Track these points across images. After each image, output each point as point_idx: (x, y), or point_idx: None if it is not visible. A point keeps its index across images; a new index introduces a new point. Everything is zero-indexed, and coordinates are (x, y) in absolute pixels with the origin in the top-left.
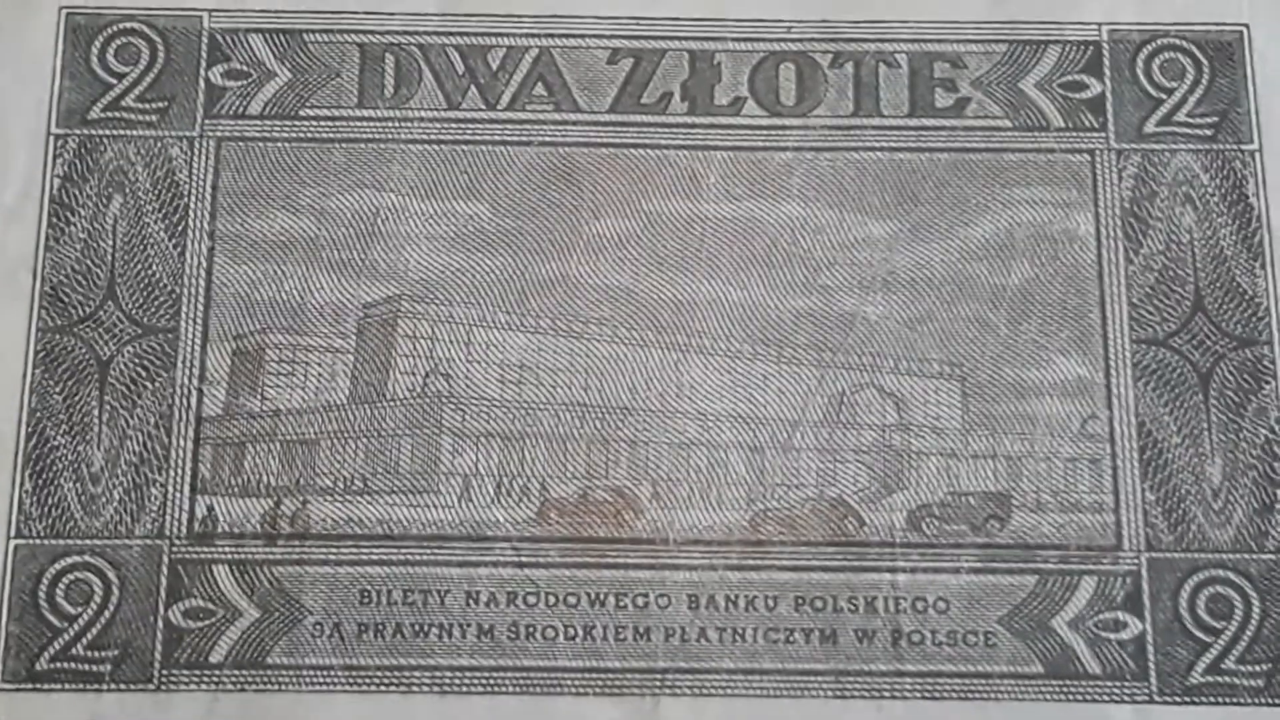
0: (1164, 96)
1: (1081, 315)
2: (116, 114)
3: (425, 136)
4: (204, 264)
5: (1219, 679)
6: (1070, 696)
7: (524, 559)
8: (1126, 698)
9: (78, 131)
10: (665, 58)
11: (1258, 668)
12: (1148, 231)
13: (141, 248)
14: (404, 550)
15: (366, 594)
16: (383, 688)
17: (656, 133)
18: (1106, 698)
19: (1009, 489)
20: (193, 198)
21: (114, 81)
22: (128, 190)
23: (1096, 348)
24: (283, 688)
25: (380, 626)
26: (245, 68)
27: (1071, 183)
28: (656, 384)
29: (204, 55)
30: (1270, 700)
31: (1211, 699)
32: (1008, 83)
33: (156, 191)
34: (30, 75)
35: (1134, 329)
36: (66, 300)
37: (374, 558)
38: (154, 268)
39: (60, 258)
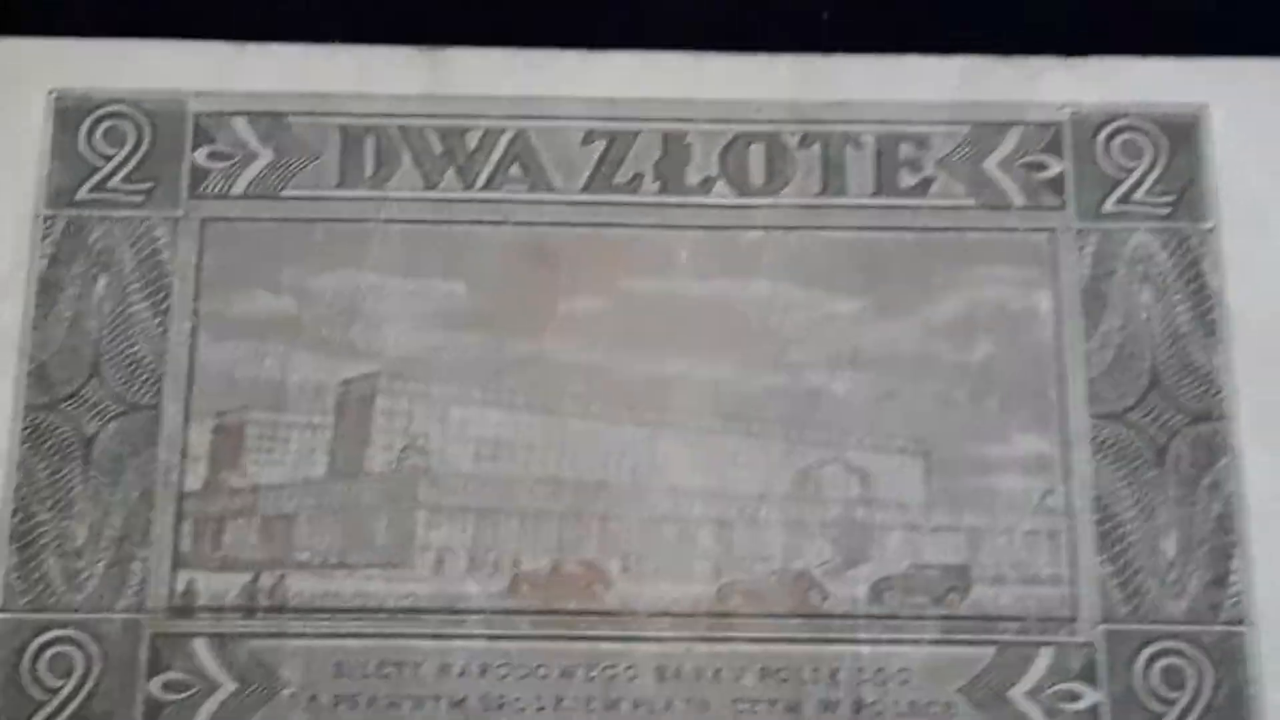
0: (1123, 176)
1: (1041, 392)
2: (103, 195)
3: (404, 216)
4: (187, 342)
5: None
6: None
7: (496, 631)
8: None
9: (65, 212)
10: (638, 138)
11: None
12: (1106, 309)
13: (126, 326)
14: (379, 623)
15: (342, 666)
16: None
17: (629, 212)
18: None
19: (969, 562)
20: (176, 277)
21: (101, 163)
22: (113, 270)
23: (1055, 423)
24: None
25: (355, 698)
26: (229, 149)
27: (1032, 261)
28: (628, 459)
29: (189, 137)
30: None
31: None
32: (971, 163)
33: (141, 271)
34: (19, 156)
35: (1092, 405)
36: (52, 378)
37: (349, 630)
38: (138, 346)
39: (46, 336)
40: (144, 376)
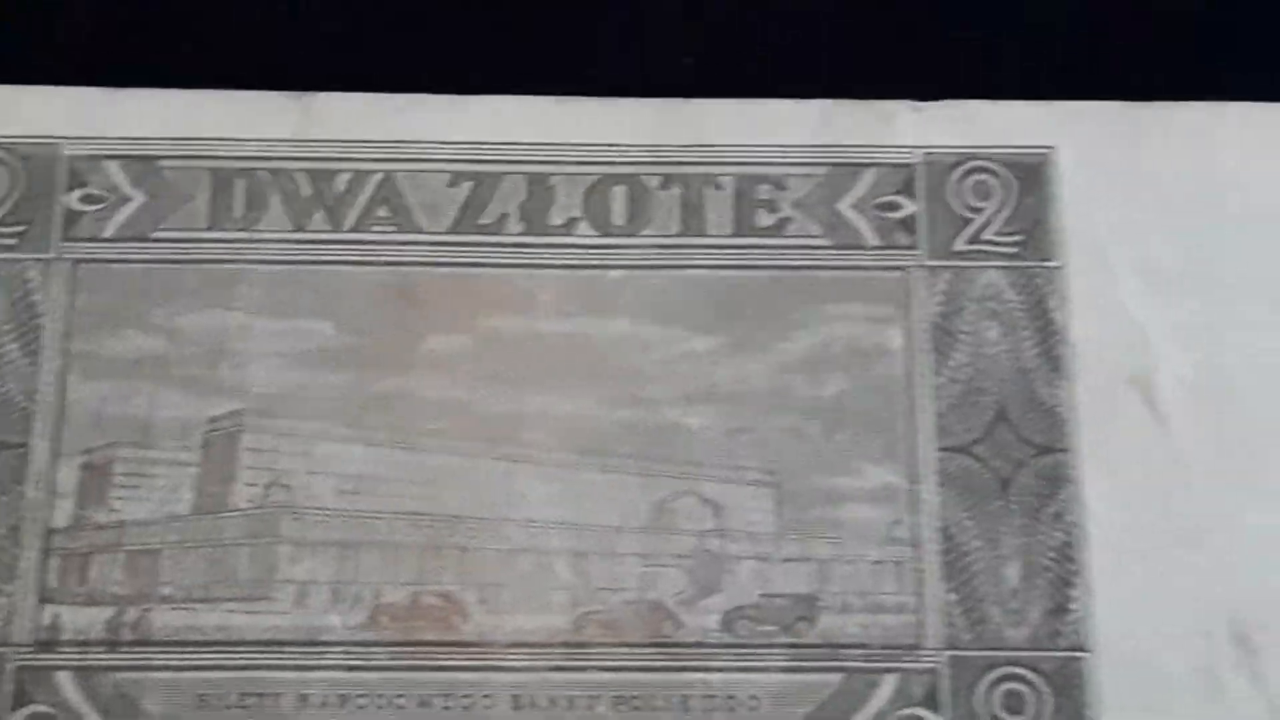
0: (973, 216)
1: (890, 425)
2: None
3: (273, 257)
4: (57, 382)
5: None
6: None
7: (355, 662)
8: None
9: None
10: (503, 181)
11: None
12: (955, 345)
13: None
14: (241, 655)
15: (204, 698)
16: None
17: (493, 252)
18: None
19: (818, 591)
20: (48, 318)
21: None
22: None
23: (903, 456)
24: None
25: None
26: (102, 192)
27: (884, 299)
28: (487, 493)
29: (62, 181)
30: None
31: None
32: (826, 203)
33: (14, 312)
34: None
35: (940, 438)
36: None
37: (212, 663)
38: (8, 386)
39: None
40: (13, 415)
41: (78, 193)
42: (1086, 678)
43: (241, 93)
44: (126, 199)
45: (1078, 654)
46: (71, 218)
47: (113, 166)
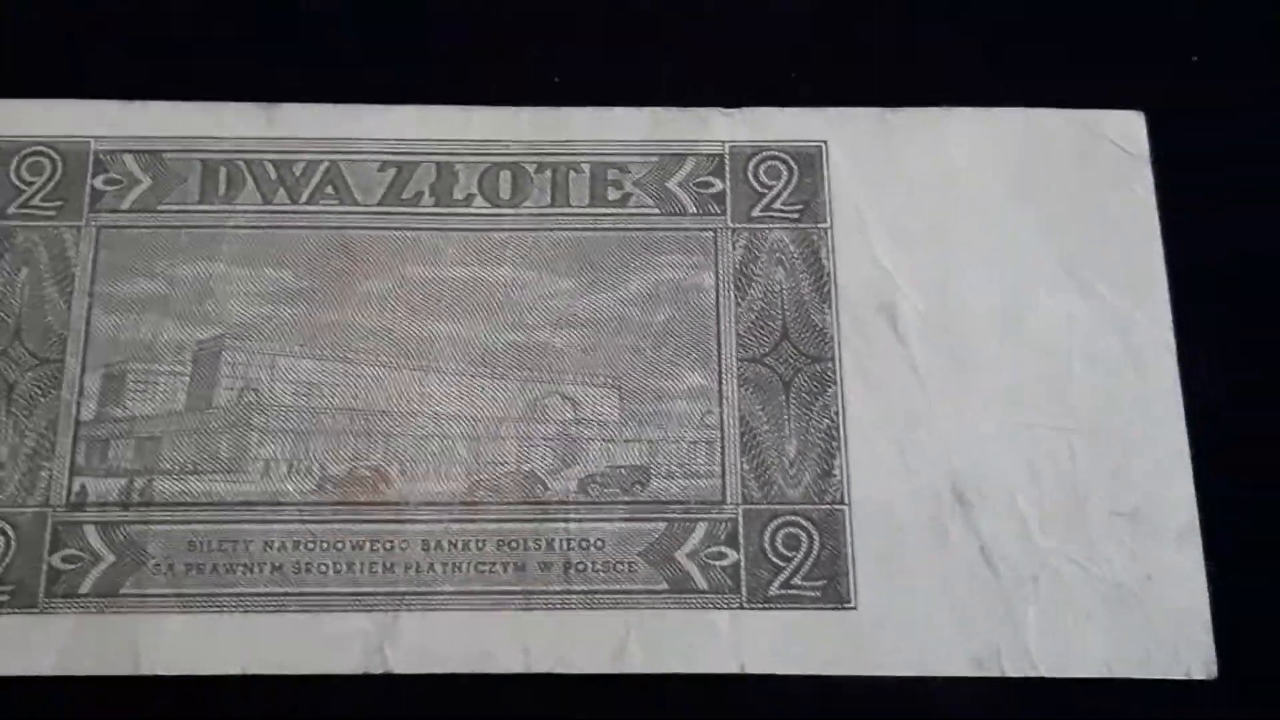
0: (766, 191)
1: (704, 342)
2: (27, 210)
3: (246, 224)
4: (85, 315)
5: (789, 591)
6: (686, 605)
7: (306, 518)
8: (724, 605)
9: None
10: (419, 167)
11: (817, 584)
12: (751, 284)
13: (41, 304)
14: (221, 513)
15: (192, 544)
16: (203, 610)
17: (411, 218)
18: (710, 606)
19: (649, 463)
20: (78, 268)
21: (25, 188)
22: (33, 263)
23: (714, 365)
24: (131, 610)
25: (201, 566)
26: (119, 177)
27: (700, 251)
28: (405, 394)
29: (90, 169)
30: (825, 605)
31: (783, 606)
32: (658, 182)
33: (53, 265)
34: None
35: (740, 351)
36: None
37: (198, 519)
38: (49, 317)
39: None
40: (52, 339)
41: (101, 177)
42: (844, 524)
43: (222, 103)
44: (137, 181)
45: (838, 507)
46: (96, 195)
47: (128, 158)
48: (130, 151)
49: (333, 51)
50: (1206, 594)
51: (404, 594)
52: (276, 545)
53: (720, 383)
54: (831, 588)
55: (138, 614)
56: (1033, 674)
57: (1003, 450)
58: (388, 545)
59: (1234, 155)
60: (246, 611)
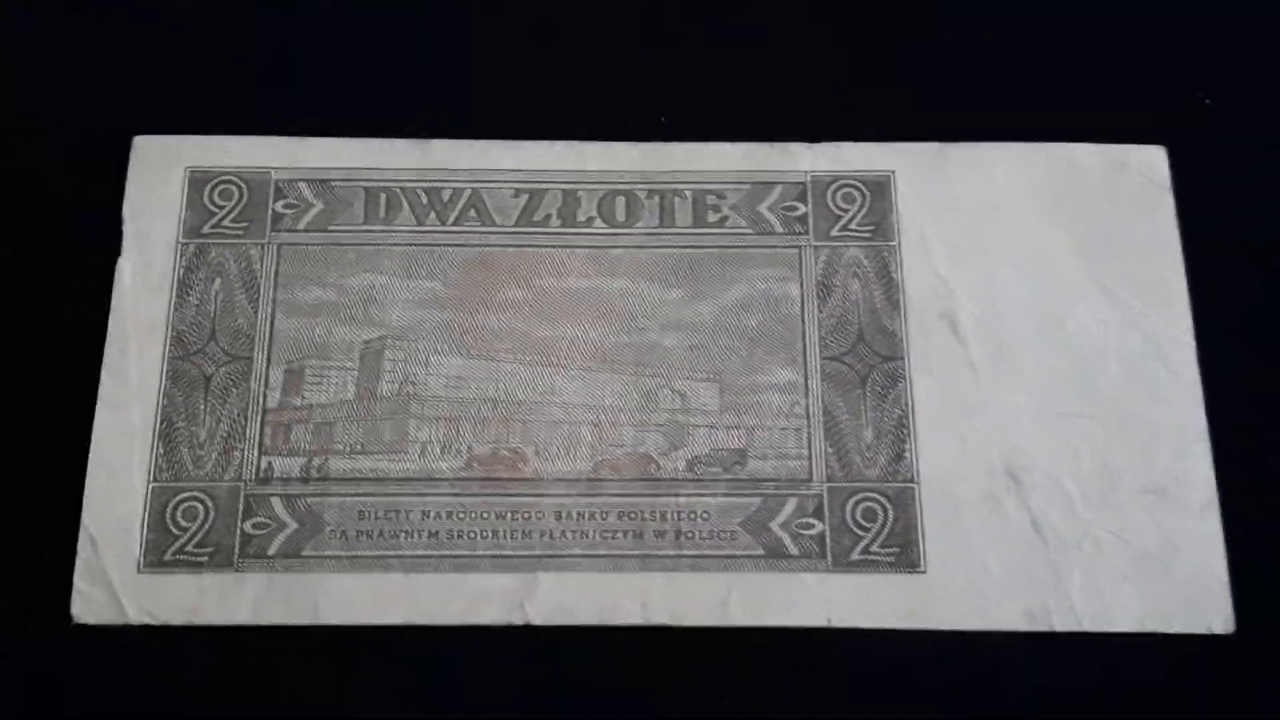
0: (842, 214)
1: (791, 343)
2: (218, 230)
3: (403, 242)
4: (269, 319)
5: (868, 557)
6: (779, 569)
7: (457, 492)
8: (812, 569)
9: (195, 240)
10: (547, 194)
11: (891, 550)
12: (831, 294)
13: (232, 309)
14: (385, 487)
15: (362, 513)
16: (371, 569)
17: (541, 237)
18: (800, 569)
19: (747, 447)
20: (263, 279)
21: (217, 211)
22: (224, 275)
23: (800, 363)
24: (311, 569)
25: (370, 532)
26: (295, 201)
27: (787, 266)
28: (537, 387)
29: (271, 195)
30: (899, 569)
31: (863, 570)
32: (750, 207)
33: (242, 276)
34: (167, 207)
35: (822, 350)
36: (186, 340)
37: (367, 492)
38: (239, 320)
39: (183, 315)
40: (242, 340)
41: (280, 202)
42: (914, 499)
43: (381, 139)
44: (311, 205)
45: (909, 484)
46: (277, 217)
47: (302, 185)
48: (305, 180)
49: (475, 94)
50: (1225, 559)
51: (540, 557)
52: (432, 515)
53: (806, 378)
54: (904, 554)
55: (316, 573)
56: (1077, 629)
57: (1047, 435)
58: (525, 515)
59: (1246, 182)
60: (407, 571)
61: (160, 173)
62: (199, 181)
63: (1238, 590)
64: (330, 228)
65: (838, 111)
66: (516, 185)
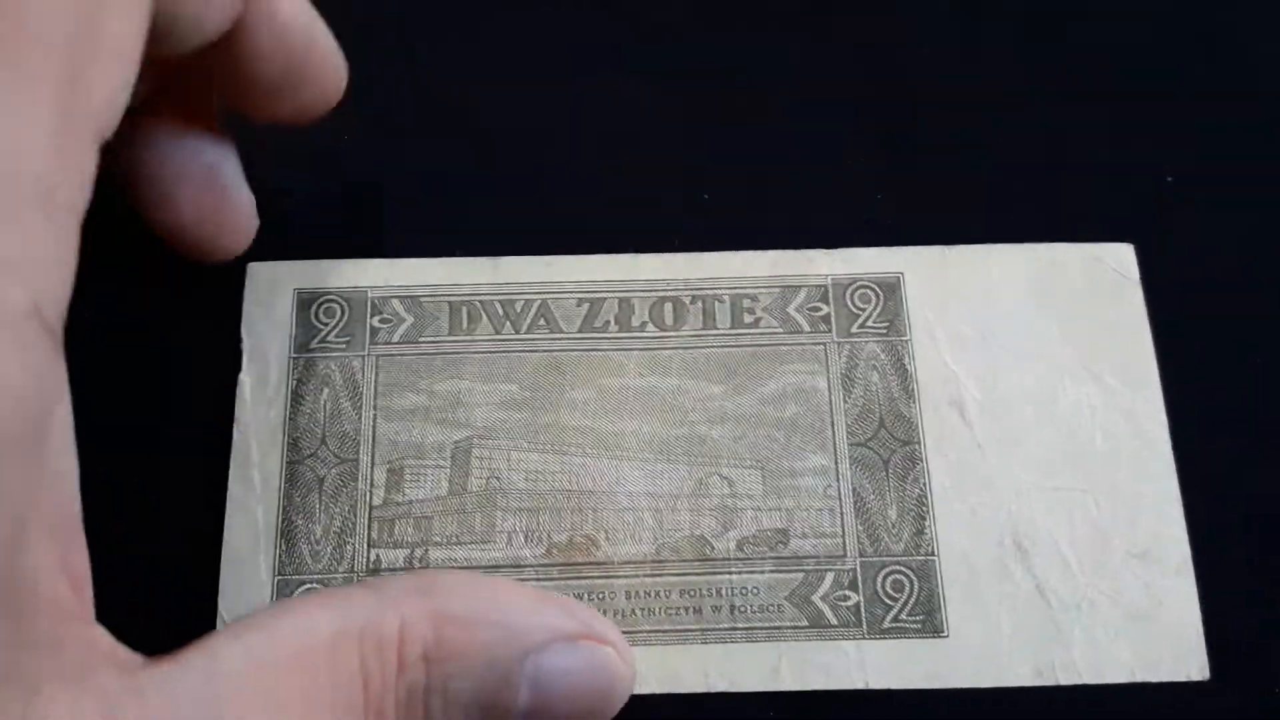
0: (860, 313)
1: (822, 431)
2: (324, 344)
3: (484, 350)
4: (371, 423)
5: (898, 624)
6: (822, 637)
7: (539, 577)
8: (850, 637)
9: (304, 355)
10: (605, 302)
11: (918, 618)
12: (854, 386)
13: (339, 415)
14: (477, 573)
15: None
16: None
17: (602, 342)
18: (840, 637)
19: (787, 527)
20: (364, 388)
21: (322, 327)
22: (331, 385)
23: (831, 449)
24: None
25: None
26: (389, 317)
27: (814, 361)
28: (605, 478)
29: (369, 311)
30: (925, 635)
31: (894, 636)
32: (780, 308)
33: (346, 385)
34: (278, 325)
35: (849, 437)
36: (300, 445)
37: None
38: (345, 426)
39: (298, 423)
40: (349, 443)
41: (376, 318)
42: (936, 571)
43: (459, 259)
44: (403, 320)
45: (930, 558)
46: (374, 331)
47: (395, 302)
48: (397, 297)
49: (539, 214)
50: (1199, 614)
51: None
52: None
53: (836, 462)
54: (929, 621)
55: None
56: (1079, 681)
57: (1046, 507)
58: (599, 596)
59: (1210, 270)
60: None
61: (272, 295)
62: (305, 302)
63: (1211, 641)
64: (420, 339)
65: (848, 221)
66: (578, 295)
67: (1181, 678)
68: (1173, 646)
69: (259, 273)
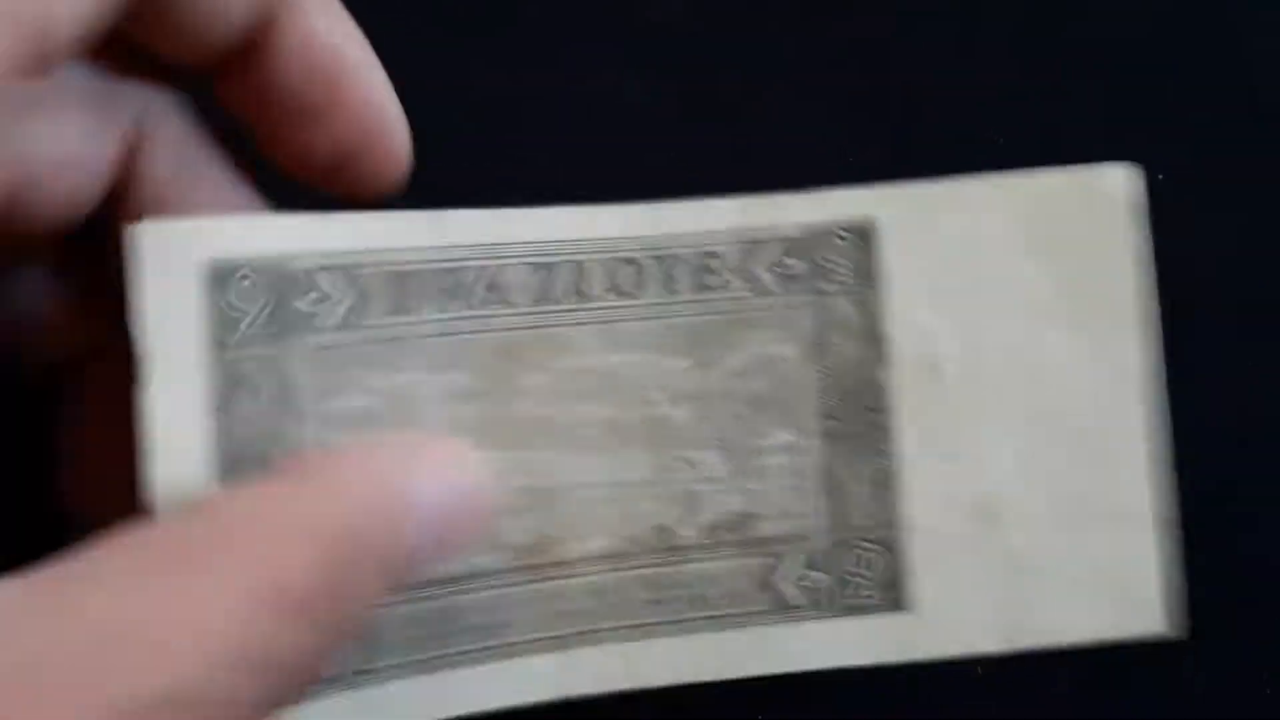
0: (831, 267)
1: (789, 405)
2: (244, 339)
3: (429, 332)
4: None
5: (866, 601)
6: (790, 619)
7: (505, 584)
8: (819, 617)
9: (224, 355)
10: (559, 267)
11: (888, 594)
12: (826, 353)
13: (277, 435)
14: (439, 588)
15: (416, 618)
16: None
17: (557, 316)
18: (809, 619)
19: (753, 509)
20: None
21: (239, 315)
22: (257, 394)
23: (798, 423)
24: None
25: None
26: (322, 295)
27: (784, 327)
28: (564, 471)
29: (296, 289)
30: (893, 609)
31: (862, 614)
32: (746, 267)
33: (280, 393)
34: (184, 314)
35: (820, 410)
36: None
37: (423, 596)
38: (286, 446)
39: (224, 448)
40: None
41: (306, 299)
42: (903, 544)
43: (398, 212)
44: (340, 300)
45: (899, 531)
46: (305, 317)
47: (327, 275)
48: (330, 268)
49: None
50: (1176, 571)
51: (579, 632)
52: (482, 609)
53: (804, 438)
54: (898, 595)
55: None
56: (1051, 643)
57: (1020, 470)
58: (562, 597)
59: (1216, 205)
60: (454, 668)
61: (169, 270)
62: (219, 277)
63: (1188, 601)
64: (363, 325)
65: (816, 157)
66: (533, 261)
67: (1156, 637)
68: (1149, 604)
69: (149, 237)
